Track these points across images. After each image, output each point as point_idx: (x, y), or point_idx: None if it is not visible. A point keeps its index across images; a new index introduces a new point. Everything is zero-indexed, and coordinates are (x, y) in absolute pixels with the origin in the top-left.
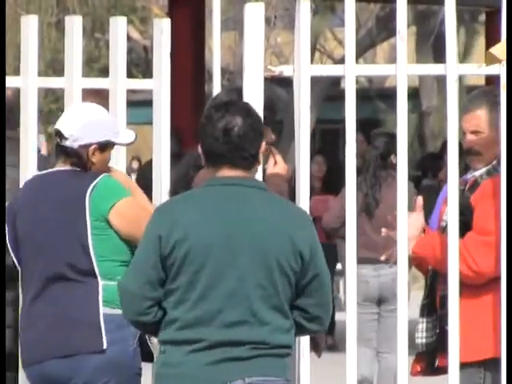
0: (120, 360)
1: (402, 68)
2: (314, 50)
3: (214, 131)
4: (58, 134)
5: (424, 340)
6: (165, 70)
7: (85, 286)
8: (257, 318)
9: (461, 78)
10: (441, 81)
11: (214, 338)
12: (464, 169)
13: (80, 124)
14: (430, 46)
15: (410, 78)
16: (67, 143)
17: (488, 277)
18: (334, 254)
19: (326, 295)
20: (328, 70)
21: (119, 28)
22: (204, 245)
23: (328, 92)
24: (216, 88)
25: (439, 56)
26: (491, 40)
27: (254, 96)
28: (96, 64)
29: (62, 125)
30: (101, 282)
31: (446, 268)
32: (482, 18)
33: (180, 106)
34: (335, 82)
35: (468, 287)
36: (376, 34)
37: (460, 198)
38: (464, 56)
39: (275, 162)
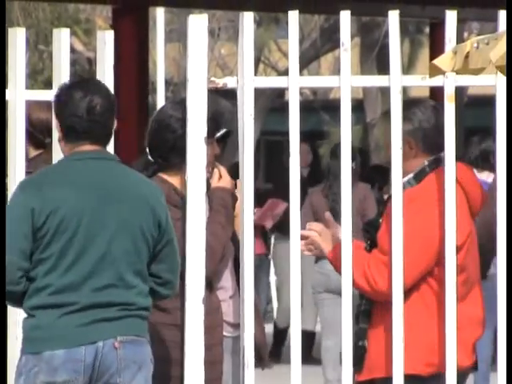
0: None
1: (345, 79)
2: (258, 61)
3: (77, 109)
4: None
5: None
6: (108, 82)
7: None
8: (124, 282)
9: (405, 90)
10: (385, 92)
11: (85, 300)
12: None
13: None
14: (375, 57)
15: (354, 89)
16: None
17: (386, 296)
18: (267, 265)
19: (177, 260)
20: (272, 81)
21: (62, 40)
22: (75, 214)
23: (272, 104)
24: (160, 100)
25: (383, 67)
26: (435, 51)
27: (198, 108)
28: (40, 76)
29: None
30: None
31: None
32: (427, 29)
33: (124, 118)
34: (279, 94)
35: (380, 304)
36: (320, 45)
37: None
38: (408, 67)
39: (220, 176)
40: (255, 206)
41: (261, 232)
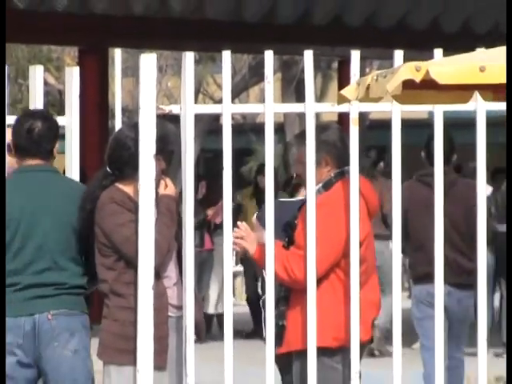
0: None
1: (269, 107)
2: (197, 92)
3: (21, 131)
4: None
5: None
6: (75, 110)
7: None
8: (58, 266)
9: (318, 115)
10: (302, 117)
11: (26, 281)
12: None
13: None
14: (293, 88)
15: (277, 114)
16: None
17: (302, 284)
18: (212, 260)
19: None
20: (209, 108)
21: (37, 75)
22: (17, 214)
23: (209, 126)
24: (117, 123)
25: (300, 97)
26: (343, 83)
27: (148, 130)
28: (19, 105)
29: None
30: None
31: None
32: (335, 65)
33: (88, 139)
34: (215, 118)
35: (296, 291)
36: (249, 79)
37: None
38: (320, 97)
39: (166, 186)
40: (211, 206)
41: (211, 229)
